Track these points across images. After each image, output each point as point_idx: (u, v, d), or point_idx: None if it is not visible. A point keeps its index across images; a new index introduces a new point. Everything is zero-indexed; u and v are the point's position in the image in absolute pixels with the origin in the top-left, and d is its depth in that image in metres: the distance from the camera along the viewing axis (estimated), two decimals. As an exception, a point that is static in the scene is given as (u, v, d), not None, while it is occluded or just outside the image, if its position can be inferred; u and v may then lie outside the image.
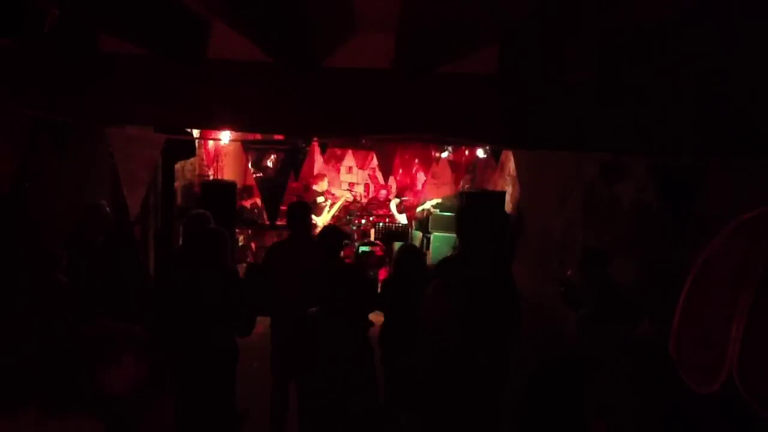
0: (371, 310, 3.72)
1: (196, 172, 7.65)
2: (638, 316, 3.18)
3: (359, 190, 10.24)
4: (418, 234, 8.38)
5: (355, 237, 8.41)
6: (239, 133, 4.76)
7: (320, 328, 2.88)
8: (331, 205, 8.33)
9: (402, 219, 8.45)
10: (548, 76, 3.04)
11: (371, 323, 3.76)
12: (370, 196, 10.00)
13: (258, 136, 4.55)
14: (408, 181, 8.31)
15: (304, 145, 3.40)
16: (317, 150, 5.50)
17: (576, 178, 5.16)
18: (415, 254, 4.19)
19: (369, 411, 2.90)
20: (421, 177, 6.86)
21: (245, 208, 8.10)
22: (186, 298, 3.40)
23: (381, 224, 8.49)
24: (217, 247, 3.50)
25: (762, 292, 0.81)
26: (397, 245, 8.17)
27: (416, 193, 8.20)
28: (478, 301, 2.90)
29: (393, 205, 8.65)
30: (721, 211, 2.97)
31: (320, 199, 8.18)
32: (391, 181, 7.94)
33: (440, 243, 7.64)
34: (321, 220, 8.03)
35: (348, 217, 8.78)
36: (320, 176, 8.53)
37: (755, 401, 0.81)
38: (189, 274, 3.49)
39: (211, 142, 7.65)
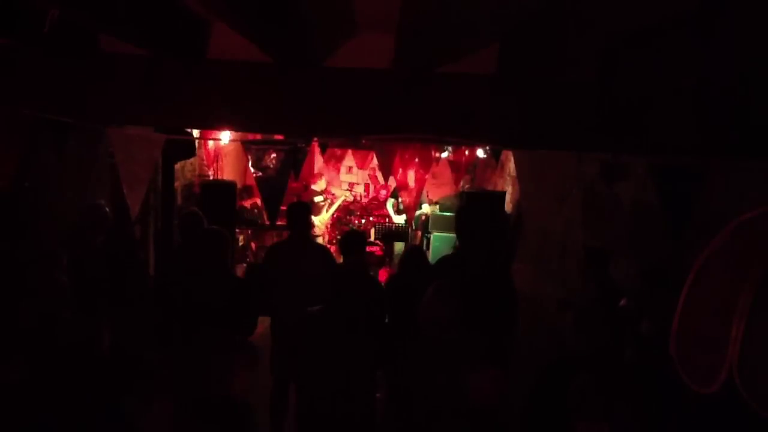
0: (382, 312, 3.70)
1: (196, 172, 7.65)
2: (638, 317, 3.19)
3: (359, 190, 10.22)
4: (418, 234, 8.38)
5: None
6: (239, 133, 4.75)
7: (322, 327, 2.88)
8: (330, 205, 8.32)
9: (399, 219, 8.44)
10: (548, 76, 3.04)
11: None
12: (370, 196, 9.98)
13: (258, 136, 4.54)
14: (406, 180, 8.29)
15: (304, 145, 3.39)
16: (317, 150, 5.50)
17: (576, 178, 5.15)
18: (419, 257, 4.18)
19: (368, 412, 2.90)
20: (412, 175, 6.85)
21: (245, 208, 8.09)
22: (187, 298, 3.40)
23: (381, 224, 8.47)
24: (218, 248, 3.50)
25: (762, 292, 0.81)
26: (397, 245, 8.17)
27: (410, 192, 8.19)
28: (476, 301, 2.90)
29: (389, 205, 8.63)
30: (721, 211, 2.97)
31: (318, 199, 8.16)
32: (392, 180, 7.93)
33: (440, 243, 7.63)
34: (319, 220, 8.01)
35: (347, 217, 8.77)
36: (318, 175, 8.51)
37: (755, 401, 0.81)
38: (190, 275, 3.48)
39: (211, 142, 7.64)
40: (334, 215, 8.51)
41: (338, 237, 8.41)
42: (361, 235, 4.85)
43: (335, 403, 2.82)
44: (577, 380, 2.21)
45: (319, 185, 8.35)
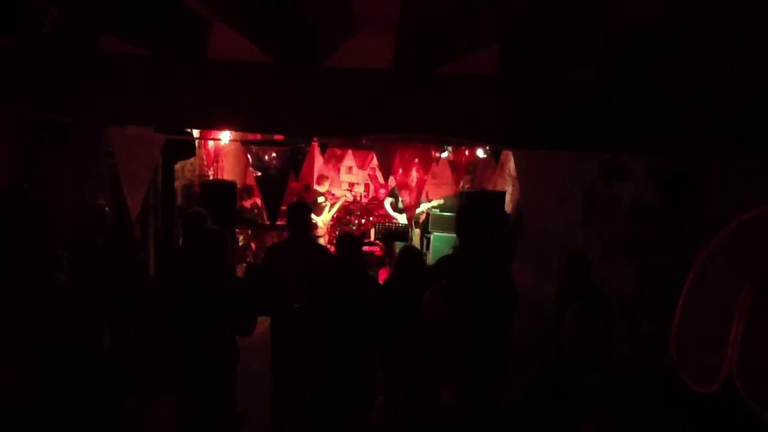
0: (375, 310, 3.69)
1: (196, 172, 7.65)
2: (638, 315, 3.19)
3: (359, 190, 10.23)
4: (418, 233, 8.38)
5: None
6: (239, 133, 4.75)
7: (302, 324, 2.86)
8: (332, 206, 8.34)
9: (401, 218, 8.45)
10: (548, 76, 3.04)
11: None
12: (370, 195, 9.99)
13: (258, 136, 4.54)
14: (407, 180, 8.31)
15: (304, 145, 3.40)
16: (317, 150, 5.49)
17: (576, 178, 5.15)
18: (415, 256, 4.19)
19: (361, 410, 2.89)
20: (414, 175, 6.87)
21: (245, 208, 8.10)
22: (187, 298, 3.40)
23: (381, 224, 8.48)
24: (218, 248, 3.50)
25: (761, 292, 0.81)
26: (397, 245, 8.17)
27: (411, 191, 8.19)
28: (477, 301, 2.90)
29: (387, 203, 8.63)
30: (721, 211, 2.98)
31: (320, 200, 8.20)
32: (392, 180, 7.96)
33: (440, 243, 7.63)
34: (321, 220, 8.06)
35: (347, 217, 8.78)
36: (323, 177, 8.57)
37: (754, 401, 0.81)
38: (190, 275, 3.48)
39: (211, 142, 7.65)
40: (335, 215, 8.53)
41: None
42: (354, 237, 4.87)
43: (321, 397, 2.80)
44: (585, 381, 2.21)
45: (323, 186, 8.40)
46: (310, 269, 2.94)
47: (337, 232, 8.58)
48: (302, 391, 2.84)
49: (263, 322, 3.95)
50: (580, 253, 4.13)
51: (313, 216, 7.75)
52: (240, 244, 7.90)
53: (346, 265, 3.16)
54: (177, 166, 6.59)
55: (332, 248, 7.74)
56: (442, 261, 4.01)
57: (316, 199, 8.16)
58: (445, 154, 7.61)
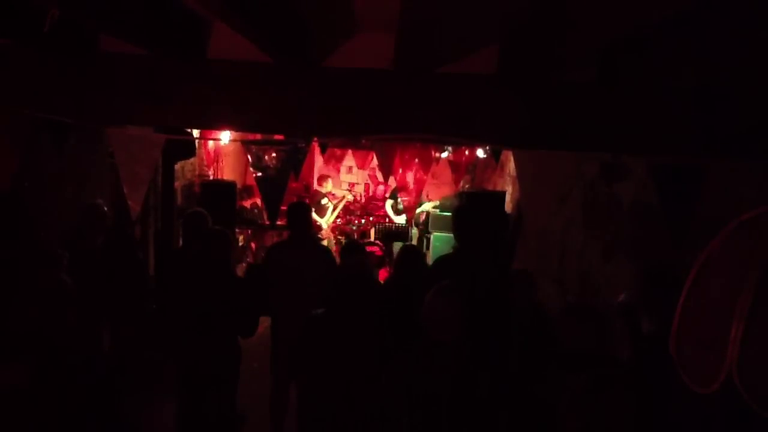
0: (380, 312, 3.71)
1: (196, 172, 7.65)
2: (637, 315, 3.21)
3: (359, 190, 10.24)
4: (416, 232, 8.39)
5: (355, 237, 8.43)
6: (239, 133, 4.75)
7: (325, 329, 2.87)
8: (335, 207, 8.35)
9: (399, 220, 8.45)
10: (548, 76, 3.04)
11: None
12: (369, 194, 10.00)
13: (258, 136, 4.55)
14: (406, 180, 8.33)
15: (304, 145, 3.39)
16: (317, 150, 5.49)
17: (576, 178, 5.15)
18: (415, 255, 4.19)
19: (370, 412, 2.90)
20: (411, 175, 6.88)
21: (245, 208, 8.10)
22: (189, 298, 3.40)
23: (381, 224, 8.49)
24: (223, 248, 3.50)
25: (761, 292, 0.81)
26: (397, 245, 8.18)
27: (410, 192, 8.23)
28: (477, 302, 2.90)
29: (388, 206, 8.63)
30: (721, 211, 2.97)
31: (324, 201, 8.22)
32: (392, 180, 7.96)
33: (440, 243, 7.64)
34: (325, 221, 8.07)
35: (348, 217, 8.80)
36: (325, 177, 8.57)
37: (754, 401, 0.81)
38: (192, 275, 3.48)
39: (211, 142, 7.65)
40: (338, 216, 8.54)
41: (338, 237, 8.44)
42: (358, 242, 4.91)
43: (338, 405, 2.81)
44: (572, 381, 2.22)
45: (326, 187, 8.40)
46: (340, 274, 2.96)
47: (337, 233, 8.59)
48: (322, 396, 2.85)
49: (263, 322, 3.95)
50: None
51: (317, 218, 7.76)
52: (240, 244, 7.90)
53: (367, 270, 3.18)
54: (177, 166, 6.59)
55: (332, 248, 7.76)
56: (442, 261, 4.02)
57: (320, 201, 8.17)
58: (445, 154, 7.61)
